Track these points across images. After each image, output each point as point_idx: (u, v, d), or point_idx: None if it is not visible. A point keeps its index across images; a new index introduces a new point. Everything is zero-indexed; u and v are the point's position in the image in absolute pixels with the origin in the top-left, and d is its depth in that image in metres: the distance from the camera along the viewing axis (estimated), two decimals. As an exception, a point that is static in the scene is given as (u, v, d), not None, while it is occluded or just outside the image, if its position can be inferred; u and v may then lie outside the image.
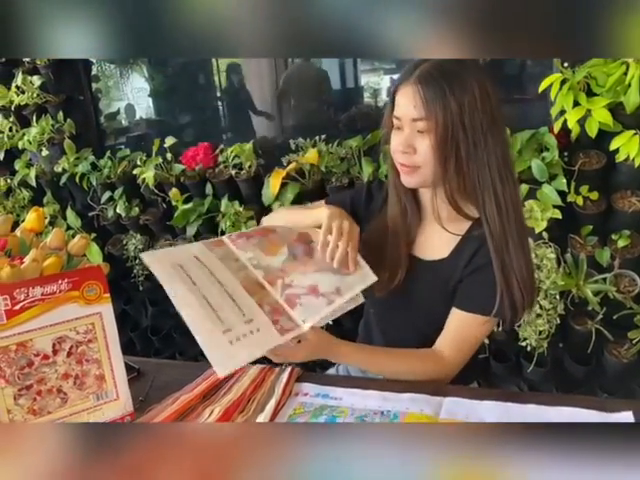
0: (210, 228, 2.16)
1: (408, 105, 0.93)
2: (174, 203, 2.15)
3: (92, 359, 0.91)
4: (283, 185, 1.97)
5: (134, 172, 2.20)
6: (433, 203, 1.00)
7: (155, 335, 2.48)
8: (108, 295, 0.92)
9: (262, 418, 0.89)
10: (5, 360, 0.85)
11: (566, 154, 1.69)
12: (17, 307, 0.85)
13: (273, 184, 1.98)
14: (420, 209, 1.08)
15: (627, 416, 0.82)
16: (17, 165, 2.44)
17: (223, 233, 2.08)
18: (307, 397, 0.97)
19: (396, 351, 1.04)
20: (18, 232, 1.03)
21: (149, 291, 2.40)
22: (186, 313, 0.85)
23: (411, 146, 0.94)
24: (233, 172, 2.07)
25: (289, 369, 1.04)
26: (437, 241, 1.05)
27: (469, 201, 0.99)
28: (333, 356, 1.01)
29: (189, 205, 2.14)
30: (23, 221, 1.07)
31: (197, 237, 2.21)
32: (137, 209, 2.26)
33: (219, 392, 1.00)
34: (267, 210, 2.04)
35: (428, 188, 1.01)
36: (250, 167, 2.05)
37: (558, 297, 1.73)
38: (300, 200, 1.98)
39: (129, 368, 1.05)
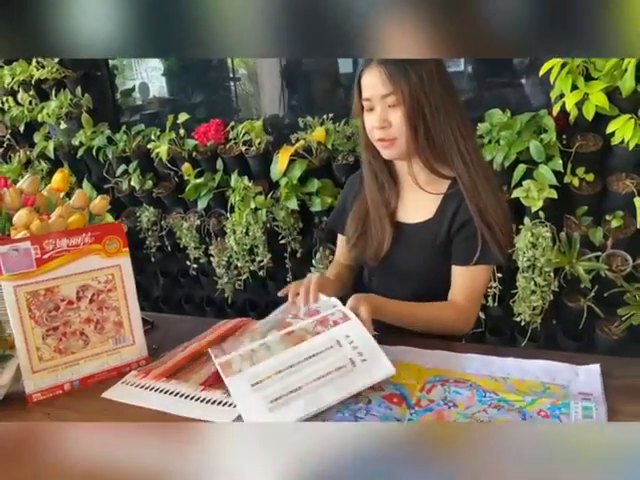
0: (220, 202, 2.24)
1: (376, 84, 1.05)
2: (186, 177, 2.23)
3: (111, 307, 1.01)
4: (291, 162, 2.04)
5: (148, 147, 2.28)
6: (411, 170, 1.11)
7: (165, 304, 2.58)
8: (127, 249, 1.01)
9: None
10: (35, 303, 0.94)
11: (564, 136, 1.76)
12: (46, 256, 0.94)
13: (281, 160, 2.05)
14: (397, 181, 1.19)
15: (595, 369, 0.90)
16: (36, 138, 2.53)
17: (233, 207, 2.16)
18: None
19: (424, 305, 1.12)
20: (45, 192, 1.12)
21: (161, 262, 2.50)
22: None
23: (386, 120, 1.06)
24: (243, 148, 2.14)
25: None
26: (420, 204, 1.15)
27: (441, 162, 1.10)
28: (382, 308, 1.05)
29: (200, 179, 2.22)
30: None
31: (208, 210, 2.29)
32: (150, 182, 2.34)
33: (226, 342, 1.09)
34: (275, 186, 2.12)
35: (404, 160, 1.12)
36: (259, 144, 2.12)
37: (552, 275, 1.80)
38: (307, 176, 2.06)
39: (144, 321, 1.14)
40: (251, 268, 2.24)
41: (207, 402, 0.90)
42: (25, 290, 0.94)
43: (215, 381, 0.96)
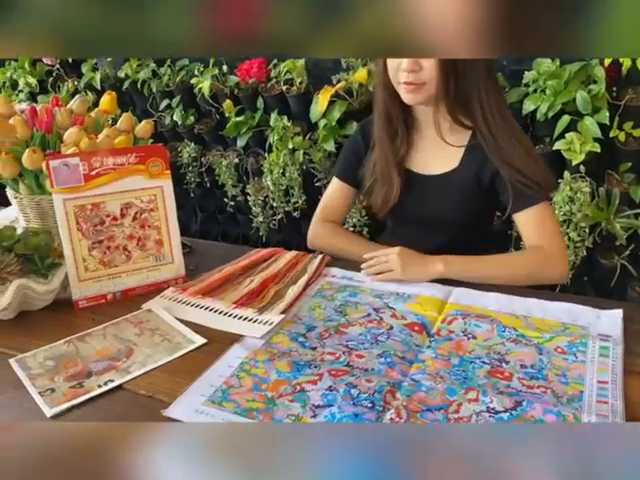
0: (259, 141, 2.26)
1: None
2: (227, 114, 2.25)
3: (153, 225, 1.06)
4: (331, 103, 2.03)
5: (191, 82, 2.30)
6: (436, 117, 1.09)
7: (202, 239, 2.65)
8: (169, 172, 1.06)
9: (295, 289, 1.03)
10: (82, 217, 1.00)
11: (614, 89, 1.69)
12: (93, 173, 1.00)
13: (321, 101, 2.04)
14: (411, 129, 1.16)
15: (617, 313, 0.91)
16: (84, 69, 2.58)
17: (271, 147, 2.18)
18: (334, 278, 1.10)
19: (502, 256, 1.11)
20: (93, 114, 1.17)
21: (200, 198, 2.57)
22: None
23: (417, 63, 1.03)
24: (284, 88, 2.14)
25: (321, 256, 1.17)
26: (440, 155, 1.14)
27: (463, 112, 1.08)
28: (434, 267, 1.03)
29: (241, 117, 2.23)
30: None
31: (246, 149, 2.32)
32: (192, 118, 2.37)
33: (258, 267, 1.14)
34: (314, 126, 2.12)
35: (428, 105, 1.10)
36: (300, 83, 2.12)
37: (587, 230, 1.78)
38: (346, 119, 2.05)
39: (183, 245, 1.19)
40: (286, 209, 2.28)
41: (239, 318, 0.96)
42: (73, 204, 1.00)
43: (247, 301, 1.01)
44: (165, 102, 2.41)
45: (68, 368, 0.84)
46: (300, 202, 2.23)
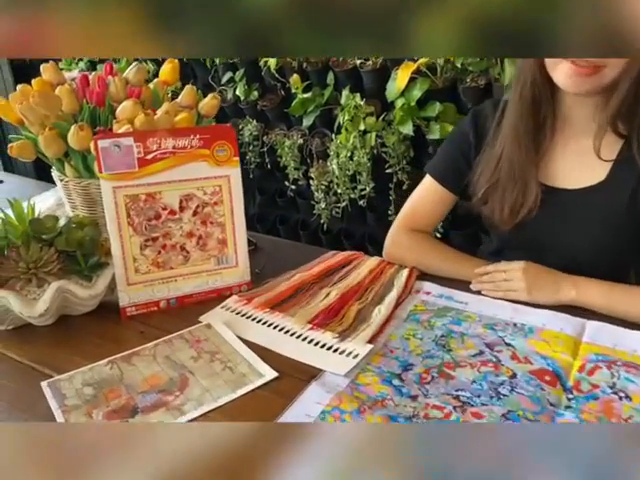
0: (326, 121, 2.07)
1: None
2: (293, 90, 2.07)
3: (216, 222, 0.89)
4: (411, 80, 1.81)
5: (256, 53, 2.12)
6: (604, 115, 0.84)
7: (260, 223, 2.51)
8: (237, 159, 0.88)
9: (383, 310, 0.84)
10: (134, 209, 0.84)
11: None
12: (149, 157, 0.83)
13: (400, 78, 1.82)
14: (555, 129, 0.91)
15: None
16: (143, 37, 2.44)
17: (340, 127, 1.99)
18: (429, 296, 0.90)
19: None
20: (151, 85, 1.00)
21: (259, 180, 2.41)
22: None
23: None
24: (358, 62, 1.93)
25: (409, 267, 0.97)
26: (582, 165, 0.90)
27: (621, 116, 0.83)
28: (568, 292, 0.84)
29: (308, 94, 2.05)
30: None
31: (312, 129, 2.14)
32: (256, 93, 2.20)
33: (334, 275, 0.96)
34: (389, 106, 1.91)
35: (591, 99, 0.85)
36: (377, 58, 1.90)
37: None
38: (427, 99, 1.83)
39: (247, 242, 1.03)
40: (351, 196, 2.09)
41: (316, 344, 0.78)
42: (125, 193, 0.83)
43: (324, 320, 0.83)
44: (228, 75, 2.25)
45: (110, 399, 0.68)
46: (367, 189, 2.04)
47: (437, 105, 1.81)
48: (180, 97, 0.98)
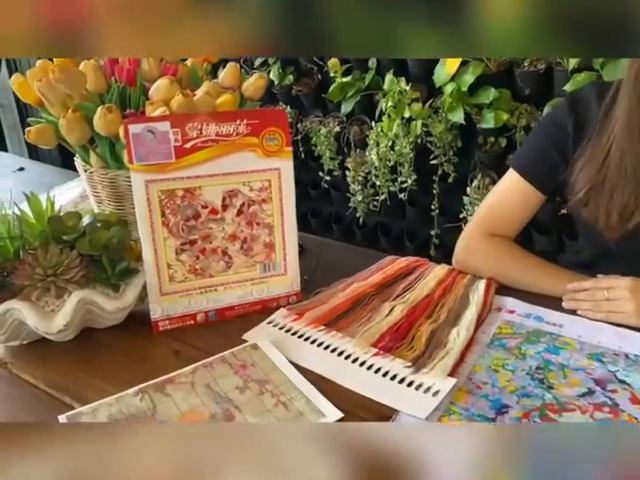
0: (367, 107, 1.94)
1: None
2: (331, 74, 1.93)
3: (263, 223, 0.76)
4: (463, 64, 1.66)
5: (293, 34, 1.98)
6: None
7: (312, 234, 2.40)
8: (290, 149, 0.75)
9: (463, 333, 0.70)
10: (170, 207, 0.71)
11: None
12: (188, 145, 0.70)
13: (451, 61, 1.68)
14: None
15: None
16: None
17: (381, 114, 1.84)
18: (514, 315, 0.76)
19: None
20: (189, 62, 0.87)
21: (290, 169, 2.28)
22: None
23: None
24: (404, 44, 1.78)
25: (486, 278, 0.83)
26: None
27: None
28: None
29: (348, 78, 1.91)
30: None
31: (350, 116, 2.00)
32: (291, 77, 2.08)
33: (397, 286, 0.82)
34: (437, 92, 1.76)
35: None
36: (445, 57, 1.75)
37: None
38: (480, 84, 1.67)
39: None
40: (391, 188, 1.96)
41: (384, 375, 0.65)
42: (159, 187, 0.71)
43: (391, 343, 0.70)
44: (261, 57, 2.11)
45: (141, 441, 0.56)
46: (409, 182, 1.90)
47: (491, 91, 1.65)
48: (221, 76, 0.85)
